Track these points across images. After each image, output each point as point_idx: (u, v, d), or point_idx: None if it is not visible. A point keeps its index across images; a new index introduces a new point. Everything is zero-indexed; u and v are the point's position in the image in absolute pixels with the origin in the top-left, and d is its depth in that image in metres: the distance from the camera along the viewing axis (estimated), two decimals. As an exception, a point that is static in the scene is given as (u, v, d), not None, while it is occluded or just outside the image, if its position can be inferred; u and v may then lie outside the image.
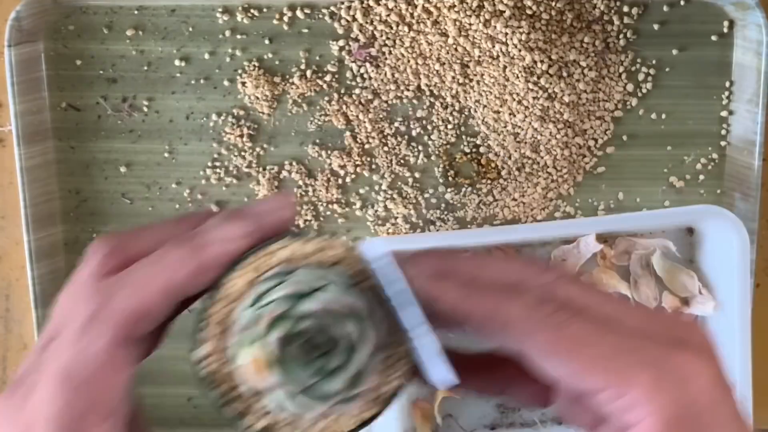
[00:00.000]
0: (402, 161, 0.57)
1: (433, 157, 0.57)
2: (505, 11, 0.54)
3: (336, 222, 0.57)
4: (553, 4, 0.55)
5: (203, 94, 0.57)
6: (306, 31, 0.56)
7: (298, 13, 0.56)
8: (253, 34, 0.56)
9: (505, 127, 0.56)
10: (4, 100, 0.59)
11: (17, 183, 0.56)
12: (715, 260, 0.54)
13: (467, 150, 0.57)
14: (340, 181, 0.57)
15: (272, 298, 0.30)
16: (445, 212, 0.57)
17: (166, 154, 0.57)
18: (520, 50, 0.55)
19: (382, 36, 0.56)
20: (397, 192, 0.57)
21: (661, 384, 0.28)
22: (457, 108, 0.56)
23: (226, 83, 0.57)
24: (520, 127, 0.56)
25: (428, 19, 0.55)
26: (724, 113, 0.56)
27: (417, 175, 0.57)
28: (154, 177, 0.57)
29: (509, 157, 0.57)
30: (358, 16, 0.56)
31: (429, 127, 0.57)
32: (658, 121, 0.57)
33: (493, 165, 0.57)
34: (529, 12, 0.55)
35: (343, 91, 0.57)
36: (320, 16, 0.56)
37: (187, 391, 0.58)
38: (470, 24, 0.55)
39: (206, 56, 0.56)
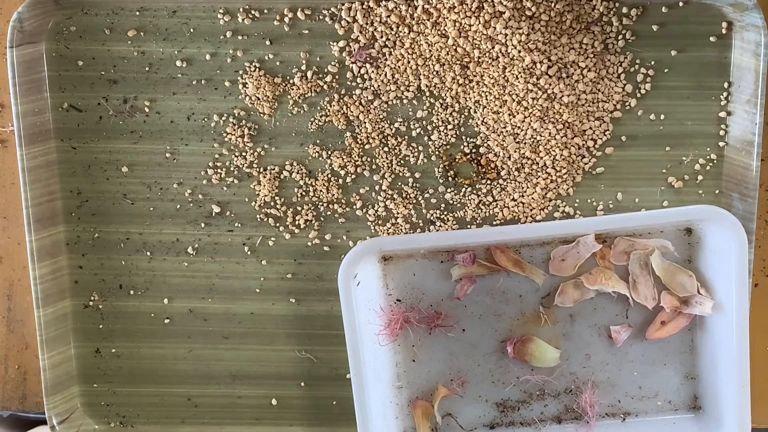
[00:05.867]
0: (402, 161, 0.57)
1: (433, 158, 0.57)
2: (504, 12, 0.54)
3: (336, 222, 0.58)
4: (553, 5, 0.55)
5: (204, 95, 0.57)
6: (307, 32, 0.57)
7: (299, 14, 0.56)
8: (254, 36, 0.57)
9: (504, 127, 0.56)
10: (6, 101, 0.59)
11: (19, 183, 0.56)
12: (713, 260, 0.54)
13: (467, 150, 0.57)
14: (340, 181, 0.57)
15: None
16: (445, 212, 0.57)
17: (167, 155, 0.57)
18: (519, 51, 0.55)
19: (382, 37, 0.56)
20: (397, 192, 0.57)
21: None
22: (457, 108, 0.57)
23: (227, 84, 0.57)
24: (519, 127, 0.56)
25: (428, 20, 0.55)
26: (722, 114, 0.56)
27: (417, 175, 0.57)
28: (155, 177, 0.58)
29: (509, 158, 0.57)
30: (359, 17, 0.56)
31: (429, 128, 0.57)
32: (656, 121, 0.57)
33: (492, 165, 0.57)
34: (528, 13, 0.55)
35: (343, 92, 0.57)
36: (321, 17, 0.56)
37: (187, 390, 0.59)
38: (470, 25, 0.55)
39: (207, 57, 0.57)
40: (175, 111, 0.57)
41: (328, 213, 0.58)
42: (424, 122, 0.57)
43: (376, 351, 0.54)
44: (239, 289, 0.58)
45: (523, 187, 0.57)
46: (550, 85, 0.56)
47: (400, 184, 0.57)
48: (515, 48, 0.55)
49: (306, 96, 0.57)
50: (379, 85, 0.57)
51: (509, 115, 0.56)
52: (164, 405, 0.59)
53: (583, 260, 0.55)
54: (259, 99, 0.57)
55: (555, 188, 0.57)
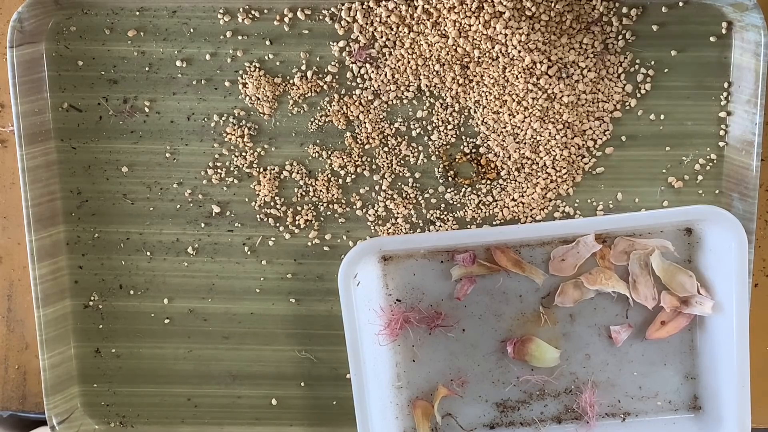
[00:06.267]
0: (402, 161, 0.57)
1: (433, 158, 0.57)
2: (504, 12, 0.55)
3: (336, 222, 0.58)
4: (553, 5, 0.55)
5: (204, 95, 0.57)
6: (307, 32, 0.57)
7: (299, 14, 0.56)
8: (254, 36, 0.57)
9: (504, 127, 0.56)
10: (6, 100, 0.59)
11: (19, 183, 0.56)
12: (713, 260, 0.54)
13: (467, 150, 0.57)
14: (340, 181, 0.57)
15: None
16: (445, 212, 0.57)
17: (167, 155, 0.57)
18: (519, 51, 0.55)
19: (382, 37, 0.56)
20: (397, 192, 0.57)
21: None
22: (457, 108, 0.57)
23: (227, 84, 0.57)
24: (519, 127, 0.56)
25: (428, 20, 0.55)
26: (722, 114, 0.56)
27: (417, 175, 0.57)
28: (155, 177, 0.58)
29: (509, 158, 0.57)
30: (359, 17, 0.56)
31: (429, 128, 0.57)
32: (656, 121, 0.57)
33: (492, 165, 0.57)
34: (528, 13, 0.55)
35: (343, 92, 0.57)
36: (321, 17, 0.56)
37: (187, 390, 0.59)
38: (470, 25, 0.55)
39: (207, 57, 0.57)
40: (175, 111, 0.57)
41: (328, 213, 0.58)
42: (424, 122, 0.57)
43: (376, 351, 0.55)
44: (239, 289, 0.58)
45: (523, 187, 0.57)
46: (550, 85, 0.56)
47: (400, 184, 0.57)
48: (515, 48, 0.55)
49: (306, 96, 0.57)
50: (379, 85, 0.57)
51: (509, 115, 0.56)
52: (164, 405, 0.59)
53: (583, 260, 0.55)
54: (259, 99, 0.57)
55: (555, 188, 0.57)
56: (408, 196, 0.57)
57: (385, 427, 0.55)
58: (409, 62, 0.56)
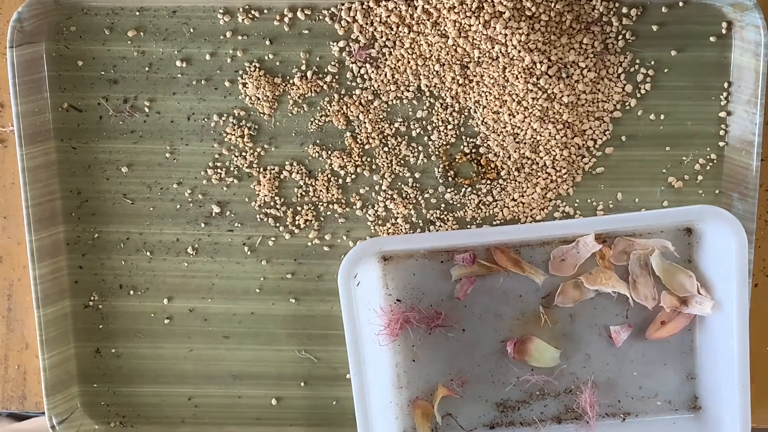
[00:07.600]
0: (402, 161, 0.57)
1: (433, 158, 0.57)
2: (504, 12, 0.54)
3: (336, 222, 0.58)
4: (553, 5, 0.55)
5: (204, 95, 0.57)
6: (306, 32, 0.57)
7: (299, 14, 0.56)
8: (254, 35, 0.57)
9: (504, 127, 0.56)
10: (6, 100, 0.59)
11: (19, 183, 0.56)
12: (713, 260, 0.54)
13: (467, 150, 0.57)
14: (340, 181, 0.57)
15: None
16: (445, 212, 0.57)
17: (167, 155, 0.57)
18: (519, 51, 0.55)
19: (382, 37, 0.56)
20: (397, 192, 0.57)
21: None
22: (456, 108, 0.57)
23: (227, 84, 0.57)
24: (519, 127, 0.56)
25: (428, 20, 0.55)
26: (722, 114, 0.56)
27: (417, 175, 0.57)
28: (155, 177, 0.58)
29: (509, 158, 0.57)
30: (359, 17, 0.56)
31: (429, 128, 0.57)
32: (656, 121, 0.57)
33: (492, 165, 0.57)
34: (528, 13, 0.55)
35: (343, 92, 0.57)
36: (321, 17, 0.56)
37: (188, 390, 0.59)
38: (470, 25, 0.55)
39: (207, 57, 0.57)
40: (175, 111, 0.57)
41: (328, 213, 0.58)
42: (424, 122, 0.57)
43: (376, 351, 0.54)
44: (239, 289, 0.58)
45: (523, 187, 0.57)
46: (550, 85, 0.56)
47: (400, 184, 0.57)
48: (515, 48, 0.55)
49: (306, 96, 0.57)
50: (379, 85, 0.57)
51: (509, 115, 0.56)
52: (164, 405, 0.59)
53: (583, 260, 0.55)
54: (259, 99, 0.57)
55: (555, 188, 0.57)
56: (408, 196, 0.57)
57: (385, 427, 0.55)
58: (409, 62, 0.56)
